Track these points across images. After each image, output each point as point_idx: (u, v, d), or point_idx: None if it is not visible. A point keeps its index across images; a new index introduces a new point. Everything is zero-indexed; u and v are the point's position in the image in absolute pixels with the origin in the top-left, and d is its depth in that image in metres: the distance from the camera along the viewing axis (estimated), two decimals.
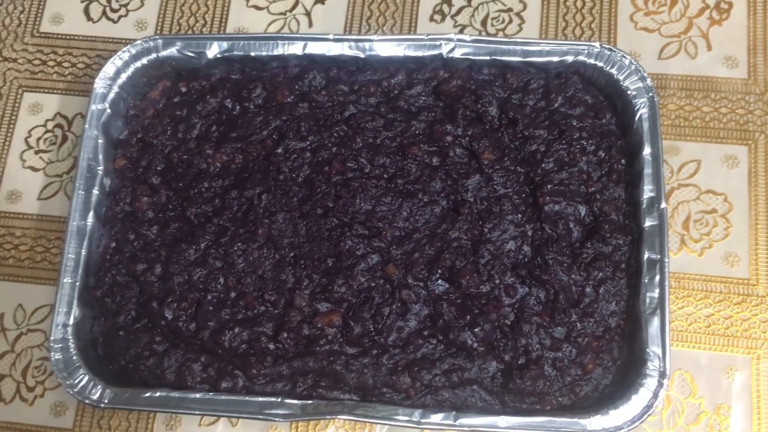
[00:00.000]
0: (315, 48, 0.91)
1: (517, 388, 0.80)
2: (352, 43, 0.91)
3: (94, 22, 1.06)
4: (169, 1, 1.06)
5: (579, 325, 0.82)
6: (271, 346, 0.83)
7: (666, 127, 0.95)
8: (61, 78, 1.04)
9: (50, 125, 1.02)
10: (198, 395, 0.81)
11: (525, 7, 1.02)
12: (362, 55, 0.91)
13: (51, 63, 1.05)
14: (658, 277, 0.80)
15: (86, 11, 1.07)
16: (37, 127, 1.02)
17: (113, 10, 1.06)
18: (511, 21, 1.01)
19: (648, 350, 0.78)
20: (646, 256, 0.81)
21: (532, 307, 0.83)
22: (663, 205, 0.82)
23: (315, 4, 1.04)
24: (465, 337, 0.81)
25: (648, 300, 0.80)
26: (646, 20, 1.00)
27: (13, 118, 1.03)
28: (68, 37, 1.06)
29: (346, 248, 0.85)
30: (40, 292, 0.95)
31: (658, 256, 0.81)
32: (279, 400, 0.80)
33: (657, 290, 0.80)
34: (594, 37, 0.99)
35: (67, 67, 1.04)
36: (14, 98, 1.04)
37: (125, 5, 1.06)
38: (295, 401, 0.80)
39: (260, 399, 0.80)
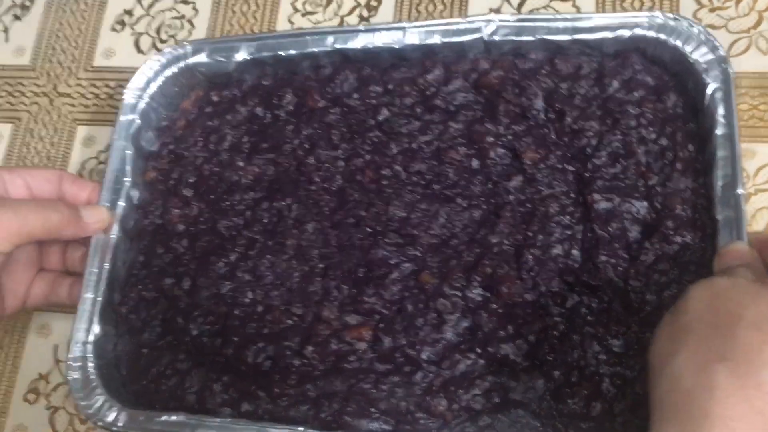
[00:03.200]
0: (346, 41, 0.87)
1: (570, 411, 0.68)
2: (385, 32, 0.86)
3: (143, 54, 1.08)
4: (216, 27, 1.06)
5: (640, 336, 0.70)
6: (296, 362, 0.76)
7: (739, 129, 0.85)
8: (113, 110, 1.05)
9: (102, 157, 1.03)
10: (216, 421, 0.74)
11: None
12: (397, 46, 0.85)
13: (103, 96, 1.07)
14: None
15: (136, 44, 1.09)
16: (90, 159, 1.04)
17: (162, 41, 1.08)
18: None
19: None
20: None
21: (584, 317, 0.72)
22: (740, 190, 0.70)
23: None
24: (507, 350, 0.72)
25: None
26: (711, 17, 0.91)
27: (68, 151, 1.05)
28: (119, 69, 1.08)
29: (378, 257, 0.78)
30: None
31: None
32: (302, 430, 0.72)
33: None
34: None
35: (118, 99, 1.06)
36: (68, 132, 1.06)
37: (173, 36, 1.08)
38: None
39: (280, 429, 0.72)
